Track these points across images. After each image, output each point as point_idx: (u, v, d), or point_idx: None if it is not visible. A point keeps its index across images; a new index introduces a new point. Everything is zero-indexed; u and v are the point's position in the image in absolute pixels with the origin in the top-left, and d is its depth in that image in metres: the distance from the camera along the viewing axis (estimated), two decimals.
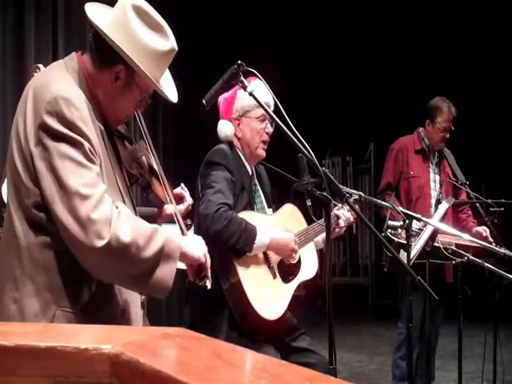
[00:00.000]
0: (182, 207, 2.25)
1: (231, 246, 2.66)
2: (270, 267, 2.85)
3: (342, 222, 3.09)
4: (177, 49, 1.93)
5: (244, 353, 1.04)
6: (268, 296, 2.78)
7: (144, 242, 1.75)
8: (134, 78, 1.88)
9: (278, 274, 2.87)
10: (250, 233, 2.69)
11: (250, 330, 2.72)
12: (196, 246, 1.94)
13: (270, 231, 2.78)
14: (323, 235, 3.06)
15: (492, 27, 7.58)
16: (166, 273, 1.79)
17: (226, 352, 1.03)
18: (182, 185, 2.30)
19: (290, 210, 3.06)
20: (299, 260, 2.95)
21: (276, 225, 2.93)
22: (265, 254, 2.83)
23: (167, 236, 1.82)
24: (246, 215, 2.76)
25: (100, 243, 1.67)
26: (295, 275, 2.94)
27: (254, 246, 2.70)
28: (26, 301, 1.76)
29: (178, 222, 2.08)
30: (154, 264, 1.77)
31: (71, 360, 0.96)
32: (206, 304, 2.75)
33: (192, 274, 2.00)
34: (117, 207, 1.76)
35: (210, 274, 1.99)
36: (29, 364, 0.98)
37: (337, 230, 3.08)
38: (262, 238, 2.72)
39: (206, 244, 1.99)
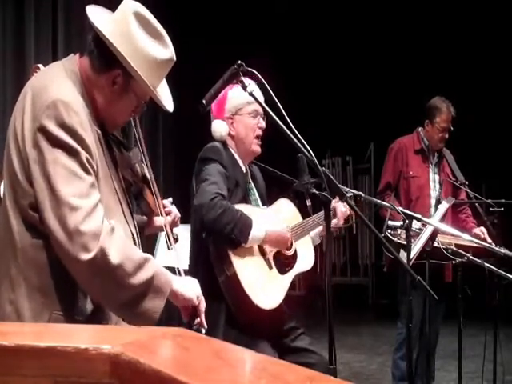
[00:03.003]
0: (169, 219, 2.26)
1: (226, 235, 2.66)
2: (266, 258, 2.85)
3: (338, 213, 3.10)
4: (175, 59, 1.94)
5: (244, 353, 1.04)
6: (264, 286, 2.77)
7: (132, 268, 1.74)
8: (131, 84, 1.88)
9: (273, 266, 2.87)
10: (245, 223, 2.68)
11: (247, 324, 2.71)
12: (188, 287, 1.89)
13: (265, 224, 2.78)
14: (319, 229, 3.08)
15: (492, 27, 7.58)
16: (153, 305, 1.78)
17: (226, 352, 1.03)
18: (171, 199, 2.31)
19: (284, 204, 3.07)
20: (295, 252, 2.96)
21: (271, 217, 2.93)
22: (260, 245, 2.83)
23: (158, 268, 1.80)
24: (242, 207, 2.76)
25: (85, 256, 1.66)
26: (292, 267, 2.94)
27: (250, 237, 2.69)
28: (21, 302, 1.76)
29: (168, 234, 2.09)
30: (142, 294, 1.76)
31: (71, 360, 0.96)
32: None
33: (185, 316, 1.94)
34: (110, 224, 1.74)
35: (204, 319, 1.92)
36: (29, 364, 0.98)
37: (333, 221, 3.08)
38: (256, 231, 2.71)
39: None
